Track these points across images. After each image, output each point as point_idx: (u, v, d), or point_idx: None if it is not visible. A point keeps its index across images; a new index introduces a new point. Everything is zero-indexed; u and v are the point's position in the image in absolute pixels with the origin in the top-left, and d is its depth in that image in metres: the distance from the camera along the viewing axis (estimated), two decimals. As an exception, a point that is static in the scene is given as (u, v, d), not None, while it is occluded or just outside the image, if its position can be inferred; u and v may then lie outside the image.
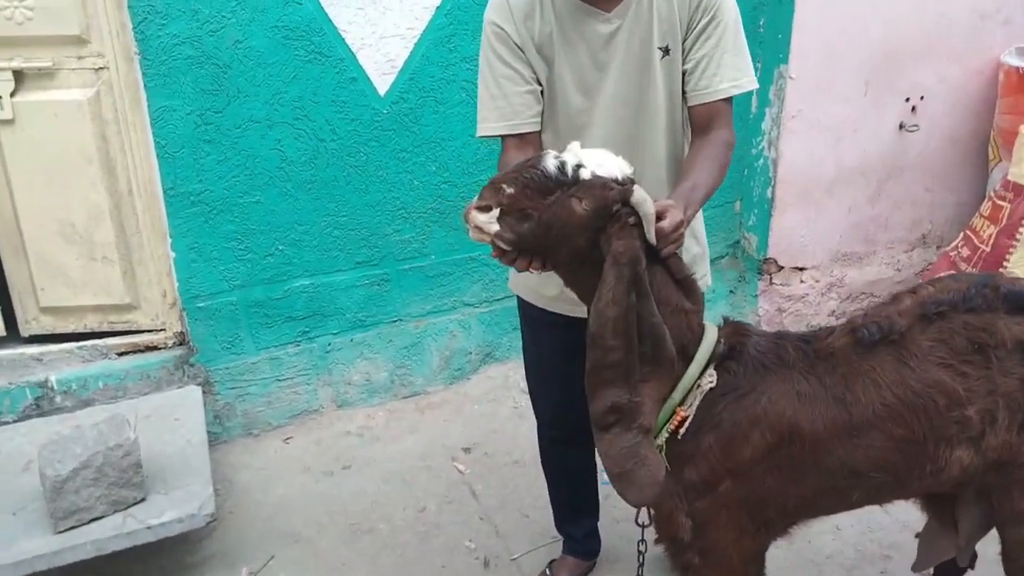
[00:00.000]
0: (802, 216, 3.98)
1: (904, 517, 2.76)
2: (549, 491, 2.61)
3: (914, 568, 2.26)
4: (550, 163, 1.52)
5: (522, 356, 2.42)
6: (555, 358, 2.25)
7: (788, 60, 3.65)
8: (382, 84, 3.14)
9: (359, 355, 3.51)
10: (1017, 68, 3.83)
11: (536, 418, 2.49)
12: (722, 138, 1.88)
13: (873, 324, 1.68)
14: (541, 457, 2.55)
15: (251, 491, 3.14)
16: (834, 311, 4.22)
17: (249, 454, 3.33)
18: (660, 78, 1.89)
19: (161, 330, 3.31)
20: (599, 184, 1.51)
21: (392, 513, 3.03)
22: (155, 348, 3.30)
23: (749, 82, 1.88)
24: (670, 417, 1.64)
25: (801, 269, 4.11)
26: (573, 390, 2.05)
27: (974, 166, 4.21)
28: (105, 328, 3.29)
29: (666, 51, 1.87)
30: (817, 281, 4.15)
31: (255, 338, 3.31)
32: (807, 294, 4.13)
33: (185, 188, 3.01)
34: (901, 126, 3.98)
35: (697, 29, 1.85)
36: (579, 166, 1.51)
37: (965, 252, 3.85)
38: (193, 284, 3.15)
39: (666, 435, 1.65)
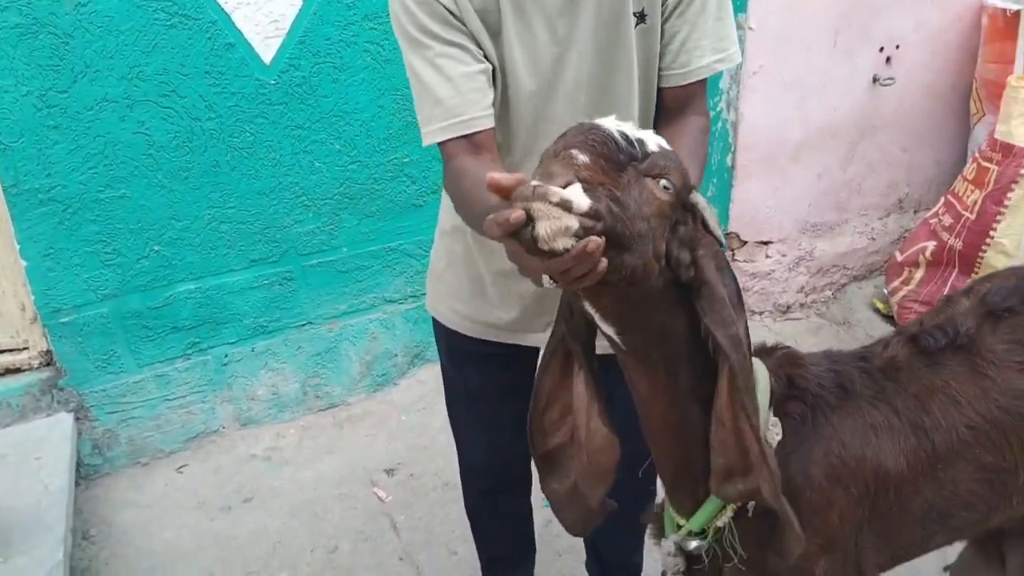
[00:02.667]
0: (766, 185, 3.55)
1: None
2: (477, 546, 2.19)
3: None
4: (612, 126, 1.04)
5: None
6: (490, 397, 1.82)
7: (746, 8, 3.19)
8: (266, 50, 2.63)
9: (263, 366, 3.04)
10: (1003, 11, 3.39)
11: (461, 467, 2.05)
12: (700, 125, 1.50)
13: (935, 329, 1.45)
14: (468, 509, 2.12)
15: (133, 535, 2.68)
16: (803, 287, 3.81)
17: (135, 489, 2.87)
18: (635, 53, 1.45)
19: (23, 349, 2.82)
20: (676, 162, 1.09)
21: (297, 557, 2.60)
22: (17, 371, 2.81)
23: (734, 55, 1.49)
24: None
25: (766, 243, 3.69)
26: (509, 433, 1.80)
27: (955, 122, 3.80)
28: (-45, 349, 2.79)
29: (642, 17, 1.43)
30: (784, 255, 3.73)
31: (135, 354, 2.83)
32: (773, 270, 3.72)
33: (30, 184, 2.49)
34: (875, 80, 3.54)
35: None
36: (640, 139, 1.06)
37: (947, 220, 3.44)
38: (53, 296, 2.65)
39: (730, 514, 1.30)
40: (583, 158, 0.97)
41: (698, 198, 1.15)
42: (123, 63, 2.47)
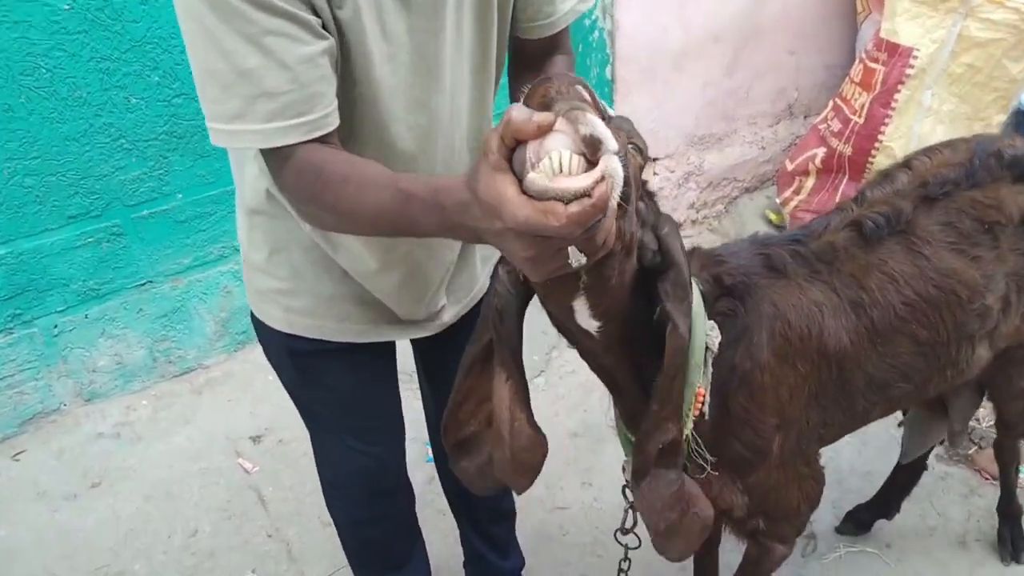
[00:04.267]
0: (649, 97, 3.33)
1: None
2: (348, 554, 1.87)
3: (902, 458, 2.13)
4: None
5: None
6: (355, 395, 1.56)
7: (616, -98, 2.89)
8: (53, -32, 2.22)
9: (101, 333, 2.70)
10: (884, -102, 3.18)
11: (328, 486, 1.75)
12: (567, 63, 1.38)
13: (877, 214, 1.47)
14: (335, 519, 1.82)
15: (-41, 537, 2.37)
16: (694, 203, 3.65)
17: (-38, 483, 2.54)
18: (495, 9, 1.27)
19: None
20: (632, 125, 1.05)
21: (153, 545, 2.35)
22: None
23: None
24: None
25: (654, 160, 3.49)
26: (383, 432, 1.66)
27: (842, 22, 3.63)
28: None
29: None
30: (672, 172, 3.54)
31: (-58, 334, 2.46)
32: (662, 187, 3.53)
33: None
34: (757, -22, 3.32)
35: None
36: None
37: (836, 125, 3.29)
38: None
39: (691, 424, 1.29)
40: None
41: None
42: None
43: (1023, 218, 1.53)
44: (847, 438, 1.68)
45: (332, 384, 1.54)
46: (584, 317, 1.09)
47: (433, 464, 1.98)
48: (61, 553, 2.33)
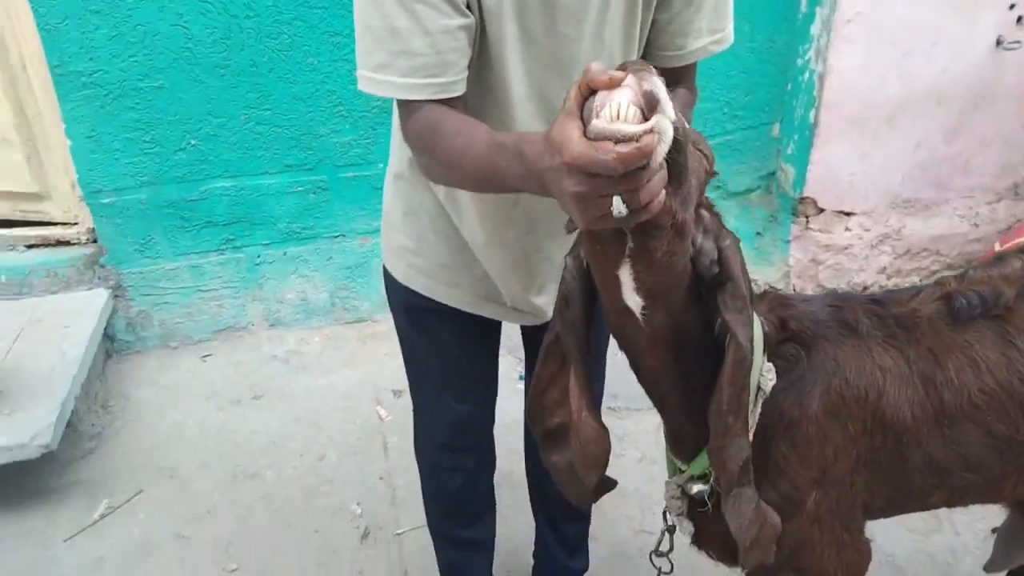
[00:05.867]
0: (852, 148, 3.22)
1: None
2: (431, 504, 2.03)
3: (987, 568, 1.99)
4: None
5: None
6: (455, 354, 1.73)
7: (844, -55, 2.85)
8: (308, -49, 2.60)
9: (293, 271, 3.09)
10: None
11: (419, 433, 1.94)
12: (688, 100, 1.45)
13: (973, 292, 1.39)
14: (419, 464, 1.99)
15: (146, 413, 2.83)
16: (885, 268, 3.47)
17: (160, 369, 3.02)
18: (637, 28, 1.36)
19: (74, 224, 2.99)
20: (703, 138, 1.16)
21: (286, 459, 2.67)
22: (66, 243, 2.99)
23: (729, 35, 1.42)
24: None
25: (847, 214, 3.37)
26: (472, 385, 1.80)
27: (1094, 99, 3.29)
28: (17, 217, 2.99)
29: None
30: (867, 230, 3.39)
31: (172, 242, 2.94)
32: (852, 244, 3.39)
33: (74, 67, 2.60)
34: (999, 42, 3.10)
35: None
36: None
37: (1058, 211, 3.02)
38: (94, 177, 2.78)
39: None
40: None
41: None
42: (163, -46, 2.51)
43: None
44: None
45: (436, 340, 1.71)
46: (629, 291, 1.12)
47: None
48: (214, 447, 2.70)
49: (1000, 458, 1.41)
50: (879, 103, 3.15)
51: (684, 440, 1.39)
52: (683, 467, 1.42)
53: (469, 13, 1.24)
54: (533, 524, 2.16)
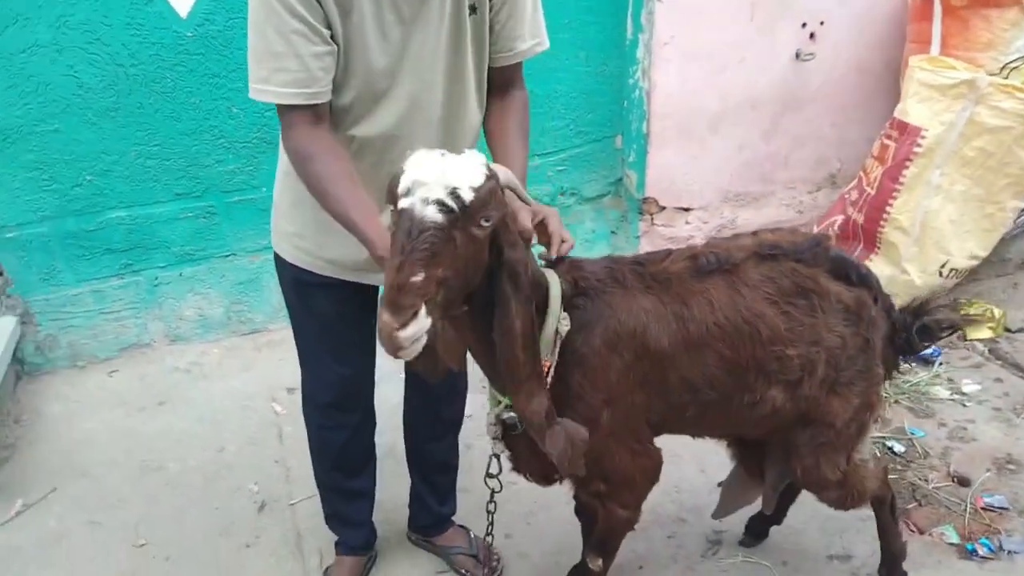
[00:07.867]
0: (683, 153, 3.70)
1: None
2: (317, 461, 2.35)
3: (714, 515, 2.40)
4: (432, 213, 1.35)
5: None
6: (335, 321, 2.06)
7: (653, -20, 3.33)
8: (183, 6, 2.95)
9: (190, 290, 3.42)
10: (923, -10, 3.43)
11: (307, 395, 2.24)
12: (523, 100, 1.87)
13: (712, 253, 1.78)
14: (312, 428, 2.29)
15: (57, 424, 3.11)
16: (725, 255, 3.94)
17: (70, 386, 3.30)
18: (469, 38, 1.75)
19: (-19, 259, 3.26)
20: (489, 195, 1.41)
21: (188, 453, 2.97)
22: (-25, 277, 3.25)
23: (545, 41, 1.86)
24: None
25: (687, 210, 3.84)
26: (356, 351, 2.10)
27: (887, 99, 3.82)
28: (-74, 255, 3.25)
29: (473, 9, 1.73)
30: (705, 222, 3.88)
31: (74, 270, 3.24)
32: (693, 236, 3.86)
33: (-28, 116, 2.90)
34: (797, 55, 3.63)
35: None
36: (455, 191, 1.36)
37: (854, 195, 3.54)
38: (-2, 214, 3.07)
39: None
40: (418, 277, 1.31)
41: (506, 179, 1.47)
42: (51, 13, 2.84)
43: (839, 303, 1.81)
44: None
45: (320, 310, 2.05)
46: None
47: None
48: (123, 447, 2.99)
49: (729, 376, 1.79)
50: (701, 112, 3.63)
51: (498, 380, 1.70)
52: (501, 399, 1.74)
53: (333, 44, 1.63)
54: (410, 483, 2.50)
